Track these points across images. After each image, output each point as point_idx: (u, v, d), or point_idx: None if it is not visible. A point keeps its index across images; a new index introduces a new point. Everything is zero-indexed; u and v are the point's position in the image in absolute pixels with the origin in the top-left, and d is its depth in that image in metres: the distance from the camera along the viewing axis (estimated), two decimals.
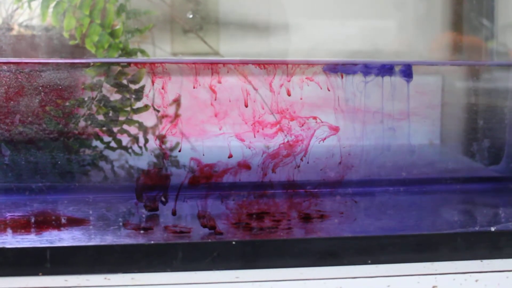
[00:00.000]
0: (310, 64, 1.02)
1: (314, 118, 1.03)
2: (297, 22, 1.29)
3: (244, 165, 1.02)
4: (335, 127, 1.03)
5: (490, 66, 1.24)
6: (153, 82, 1.01)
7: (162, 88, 1.01)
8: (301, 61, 1.03)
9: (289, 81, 1.02)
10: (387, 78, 1.05)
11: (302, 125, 1.02)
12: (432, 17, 1.34)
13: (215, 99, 1.01)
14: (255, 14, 1.28)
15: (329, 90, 1.04)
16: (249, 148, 1.01)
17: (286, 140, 1.03)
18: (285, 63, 1.02)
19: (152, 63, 1.01)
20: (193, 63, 1.00)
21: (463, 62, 1.28)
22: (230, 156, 1.02)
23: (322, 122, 1.03)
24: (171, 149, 1.04)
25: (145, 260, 0.83)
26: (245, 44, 1.29)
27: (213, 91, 1.01)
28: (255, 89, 1.02)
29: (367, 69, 1.04)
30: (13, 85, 1.00)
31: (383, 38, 1.32)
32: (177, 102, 1.03)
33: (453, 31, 1.33)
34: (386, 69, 1.04)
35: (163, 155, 1.05)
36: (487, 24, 1.29)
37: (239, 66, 1.02)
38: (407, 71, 1.05)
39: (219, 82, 1.01)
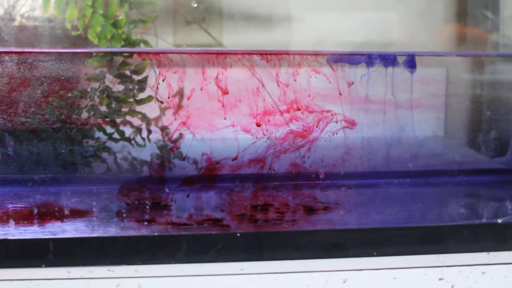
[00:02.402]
0: (316, 54, 1.02)
1: (328, 111, 1.02)
2: (300, 14, 1.28)
3: (256, 161, 1.01)
4: (352, 120, 1.03)
5: (495, 57, 1.23)
6: (159, 73, 1.00)
7: (169, 80, 1.00)
8: (308, 52, 1.03)
9: (295, 80, 1.02)
10: (391, 70, 1.05)
11: (319, 121, 1.02)
12: (436, 9, 1.34)
13: (223, 98, 1.01)
14: (258, 5, 1.28)
15: (336, 83, 1.03)
16: (256, 137, 1.01)
17: (293, 132, 1.02)
18: (294, 53, 1.01)
19: (156, 53, 1.01)
20: (198, 53, 1.00)
21: (467, 52, 1.27)
22: (235, 159, 1.02)
23: (335, 114, 1.03)
24: (175, 141, 1.04)
25: (148, 252, 0.82)
26: (248, 36, 1.28)
27: (220, 88, 1.00)
28: (262, 85, 1.02)
29: (371, 60, 1.03)
30: (15, 75, 0.99)
31: (386, 30, 1.31)
32: (181, 93, 1.02)
33: (457, 23, 1.32)
34: (390, 60, 1.04)
35: (170, 148, 1.04)
36: (491, 16, 1.29)
37: (244, 58, 1.01)
38: (411, 62, 1.04)
39: (225, 88, 1.00)
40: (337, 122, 1.04)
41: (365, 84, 1.05)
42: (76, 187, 1.03)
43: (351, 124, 1.04)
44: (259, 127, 1.02)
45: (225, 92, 1.01)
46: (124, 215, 0.91)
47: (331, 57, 1.03)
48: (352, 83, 1.04)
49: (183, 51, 1.05)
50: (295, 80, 1.02)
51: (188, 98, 1.02)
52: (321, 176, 1.05)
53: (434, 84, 1.17)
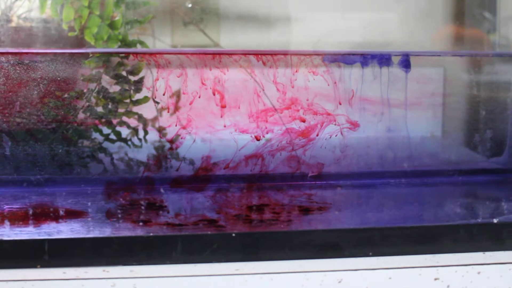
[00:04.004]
0: (311, 54, 1.02)
1: (329, 114, 1.02)
2: (299, 14, 1.28)
3: (253, 161, 1.02)
4: (354, 122, 1.03)
5: (492, 56, 1.23)
6: (157, 76, 1.00)
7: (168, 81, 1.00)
8: (303, 52, 1.03)
9: (292, 86, 1.02)
10: (388, 69, 1.05)
11: (323, 123, 1.02)
12: (434, 9, 1.33)
13: (221, 104, 1.01)
14: (256, 6, 1.27)
15: (332, 83, 1.03)
16: (257, 137, 1.01)
17: (291, 133, 1.02)
18: (289, 54, 1.01)
19: (151, 54, 1.01)
20: (193, 54, 1.00)
21: (463, 52, 1.27)
22: (227, 167, 1.02)
23: (336, 116, 1.03)
24: (172, 141, 1.04)
25: (144, 253, 0.82)
26: (246, 36, 1.28)
27: (219, 93, 1.00)
28: (262, 89, 1.02)
29: (366, 60, 1.03)
30: (12, 76, 0.99)
31: (385, 31, 1.31)
32: (178, 94, 1.02)
33: (455, 23, 1.32)
34: (385, 60, 1.04)
35: (170, 148, 1.04)
36: (489, 17, 1.29)
37: (241, 59, 1.01)
38: (405, 62, 1.04)
39: (223, 101, 1.01)
40: (340, 127, 1.04)
41: (361, 84, 1.04)
42: (72, 188, 1.03)
43: (354, 125, 1.04)
44: (258, 128, 1.02)
45: (223, 106, 1.01)
46: (114, 216, 0.91)
47: (327, 57, 1.03)
48: (349, 85, 1.04)
49: (178, 51, 1.05)
50: (292, 87, 1.03)
51: (191, 103, 1.02)
52: (310, 175, 1.05)
53: (431, 84, 1.17)
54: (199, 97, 1.02)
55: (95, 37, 1.04)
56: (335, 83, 1.03)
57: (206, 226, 0.86)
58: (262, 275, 0.83)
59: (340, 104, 1.04)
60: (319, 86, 1.03)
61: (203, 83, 1.01)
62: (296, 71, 1.02)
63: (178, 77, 1.01)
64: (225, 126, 1.02)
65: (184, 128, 1.02)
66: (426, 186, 1.09)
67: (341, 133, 1.04)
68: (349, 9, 1.31)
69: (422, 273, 0.86)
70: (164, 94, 1.02)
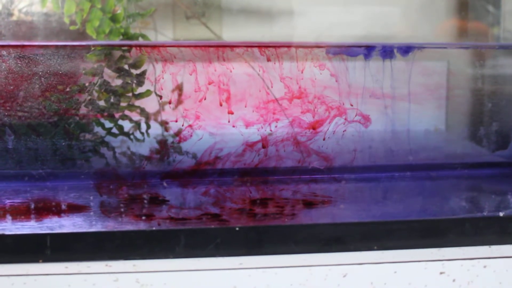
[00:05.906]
0: (313, 46, 1.01)
1: (338, 108, 1.02)
2: (301, 8, 1.27)
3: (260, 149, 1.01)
4: (366, 116, 1.03)
5: (497, 48, 1.22)
6: (162, 70, 1.00)
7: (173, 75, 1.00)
8: (306, 43, 1.02)
9: (297, 83, 1.02)
10: (391, 62, 1.04)
11: (330, 119, 1.02)
12: (438, 2, 1.33)
13: (226, 100, 1.01)
14: None
15: (335, 76, 1.03)
16: (264, 145, 1.01)
17: (295, 126, 1.02)
18: (292, 45, 1.01)
19: (154, 46, 1.00)
20: (196, 46, 0.99)
21: (468, 43, 1.27)
22: (227, 161, 1.02)
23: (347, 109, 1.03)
24: (174, 135, 1.03)
25: (147, 247, 0.82)
26: (248, 30, 1.27)
27: (225, 90, 1.00)
28: (271, 85, 1.01)
29: (369, 52, 1.03)
30: (13, 70, 0.99)
31: (389, 24, 1.30)
32: (180, 88, 1.02)
33: (459, 17, 1.31)
34: (388, 52, 1.03)
35: (178, 141, 1.04)
36: (492, 10, 1.28)
37: (244, 54, 1.01)
38: (407, 52, 1.04)
39: (230, 108, 1.00)
40: (349, 122, 1.03)
41: (364, 77, 1.04)
42: (74, 182, 1.03)
43: (365, 119, 1.04)
44: (264, 123, 1.02)
45: (230, 112, 1.01)
46: (117, 210, 0.91)
47: (330, 49, 1.02)
48: (353, 78, 1.04)
49: (180, 44, 1.05)
50: (299, 87, 1.02)
51: (200, 101, 1.01)
52: (310, 166, 1.04)
53: (435, 77, 1.17)
54: (205, 95, 1.01)
55: (97, 31, 1.03)
56: (338, 76, 1.03)
57: (210, 220, 0.86)
58: (266, 269, 0.83)
59: (341, 96, 1.04)
60: (323, 80, 1.03)
61: (208, 80, 1.01)
62: (303, 70, 1.02)
63: (190, 74, 1.01)
64: (233, 126, 1.02)
65: (190, 126, 1.02)
66: (431, 180, 1.08)
67: (344, 126, 1.04)
68: (352, 2, 1.30)
69: (428, 267, 0.85)
70: (172, 92, 1.02)
